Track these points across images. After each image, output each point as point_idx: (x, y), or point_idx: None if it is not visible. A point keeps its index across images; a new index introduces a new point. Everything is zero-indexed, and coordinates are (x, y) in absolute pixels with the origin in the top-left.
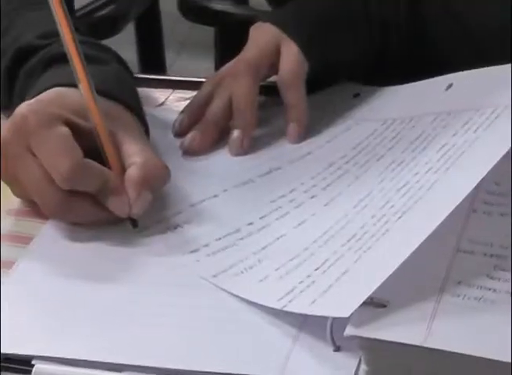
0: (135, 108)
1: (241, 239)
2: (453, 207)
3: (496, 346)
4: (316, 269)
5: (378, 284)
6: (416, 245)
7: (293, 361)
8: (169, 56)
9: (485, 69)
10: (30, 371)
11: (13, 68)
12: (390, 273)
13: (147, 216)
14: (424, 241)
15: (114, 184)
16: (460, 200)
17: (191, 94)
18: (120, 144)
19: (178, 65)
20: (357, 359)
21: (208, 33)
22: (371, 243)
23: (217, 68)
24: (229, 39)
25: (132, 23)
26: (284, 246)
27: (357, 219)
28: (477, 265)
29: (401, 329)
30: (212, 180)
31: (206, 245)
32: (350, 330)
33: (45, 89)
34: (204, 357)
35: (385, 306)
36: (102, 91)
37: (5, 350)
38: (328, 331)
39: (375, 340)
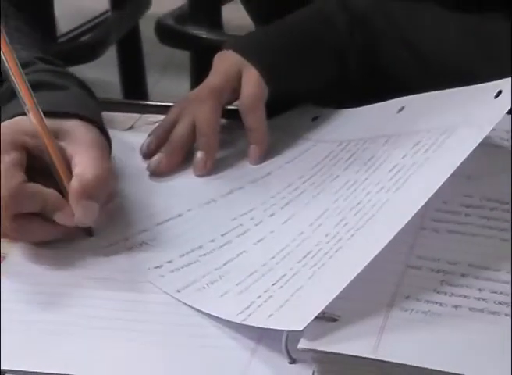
0: (91, 119)
1: (204, 255)
2: (401, 225)
3: (441, 357)
4: (273, 285)
5: (331, 300)
6: (366, 262)
7: (251, 373)
8: (154, 77)
9: (435, 92)
10: None
11: None
12: (342, 288)
13: (115, 233)
14: (375, 257)
15: (56, 201)
16: (409, 218)
17: (159, 117)
18: (70, 157)
19: (160, 86)
20: (311, 371)
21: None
22: (325, 260)
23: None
24: (204, 63)
25: (114, 46)
26: (244, 262)
27: (313, 237)
28: (425, 280)
29: (352, 342)
30: (177, 200)
31: (170, 261)
32: (303, 344)
33: (8, 118)
34: (164, 370)
35: (336, 320)
36: (54, 111)
37: None
38: (283, 344)
39: (327, 352)
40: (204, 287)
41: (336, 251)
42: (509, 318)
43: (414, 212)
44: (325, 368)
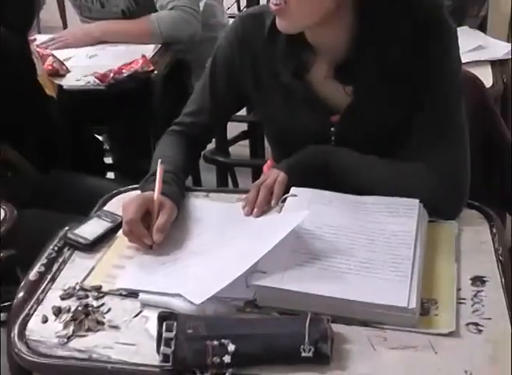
0: (172, 198)
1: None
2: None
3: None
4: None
5: (223, 285)
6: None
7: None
8: (203, 175)
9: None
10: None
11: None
12: (233, 279)
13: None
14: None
15: (145, 234)
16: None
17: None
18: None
19: (204, 179)
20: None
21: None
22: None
23: (218, 184)
24: (223, 171)
25: None
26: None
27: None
28: (298, 258)
29: (270, 281)
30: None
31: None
32: (253, 282)
33: (145, 191)
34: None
35: (265, 272)
36: (163, 193)
37: (127, 286)
38: (246, 281)
39: (259, 285)
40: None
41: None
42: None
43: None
44: (259, 292)
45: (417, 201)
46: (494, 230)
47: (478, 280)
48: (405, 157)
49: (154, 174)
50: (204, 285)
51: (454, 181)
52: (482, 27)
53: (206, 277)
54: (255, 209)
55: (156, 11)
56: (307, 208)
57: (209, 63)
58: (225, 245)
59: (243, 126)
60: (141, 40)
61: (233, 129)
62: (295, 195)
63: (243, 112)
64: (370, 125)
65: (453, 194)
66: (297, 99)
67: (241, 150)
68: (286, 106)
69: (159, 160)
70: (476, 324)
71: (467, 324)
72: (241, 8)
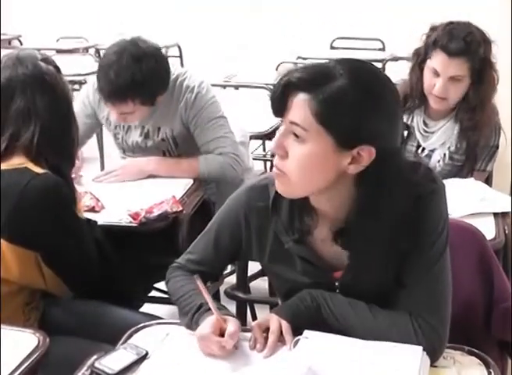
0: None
1: None
2: None
3: None
4: None
5: None
6: None
7: None
8: None
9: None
10: None
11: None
12: None
13: None
14: None
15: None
16: None
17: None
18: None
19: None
20: None
21: None
22: None
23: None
24: (243, 305)
25: None
26: None
27: None
28: None
29: None
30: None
31: None
32: None
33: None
34: None
35: None
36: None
37: None
38: None
39: None
40: None
41: None
42: None
43: None
44: None
45: (421, 348)
46: None
47: None
48: (397, 304)
49: (199, 308)
50: None
51: (433, 336)
52: (488, 180)
53: None
54: (266, 351)
55: (193, 152)
56: (318, 350)
57: (214, 226)
58: None
59: None
60: (189, 176)
61: (253, 266)
62: (306, 337)
63: None
64: (368, 281)
65: (431, 347)
66: (301, 260)
67: (261, 283)
68: (290, 267)
69: (195, 275)
70: None
71: None
72: (266, 150)
